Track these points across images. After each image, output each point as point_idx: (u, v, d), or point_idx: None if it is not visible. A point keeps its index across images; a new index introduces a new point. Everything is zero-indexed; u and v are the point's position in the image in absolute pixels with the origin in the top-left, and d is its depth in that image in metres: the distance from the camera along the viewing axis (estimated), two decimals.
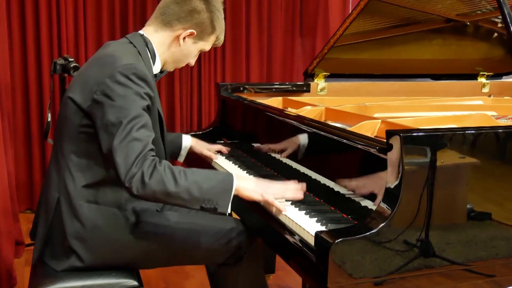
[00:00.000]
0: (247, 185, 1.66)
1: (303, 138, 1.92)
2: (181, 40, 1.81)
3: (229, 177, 1.63)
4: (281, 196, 1.68)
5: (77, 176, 1.67)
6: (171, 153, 2.17)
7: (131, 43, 1.78)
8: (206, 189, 1.58)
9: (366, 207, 1.54)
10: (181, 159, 2.26)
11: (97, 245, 1.68)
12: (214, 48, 4.41)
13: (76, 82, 1.71)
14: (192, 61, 1.92)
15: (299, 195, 1.69)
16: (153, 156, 1.57)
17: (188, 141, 2.24)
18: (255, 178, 1.75)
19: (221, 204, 1.59)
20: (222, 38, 1.91)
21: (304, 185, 1.72)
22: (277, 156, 2.09)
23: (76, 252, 1.67)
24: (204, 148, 2.27)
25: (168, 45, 1.83)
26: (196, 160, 2.29)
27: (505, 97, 2.86)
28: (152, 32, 1.83)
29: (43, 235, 1.71)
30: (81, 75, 1.73)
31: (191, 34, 1.81)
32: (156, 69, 1.85)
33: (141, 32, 1.84)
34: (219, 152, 2.34)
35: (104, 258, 1.70)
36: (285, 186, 1.72)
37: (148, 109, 1.66)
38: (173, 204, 1.61)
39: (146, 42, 1.80)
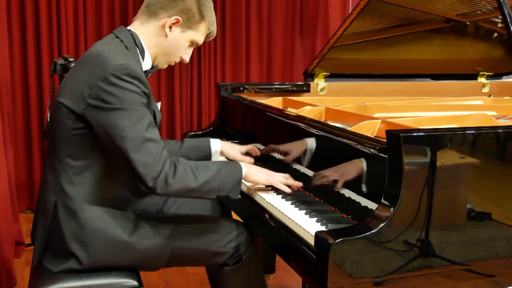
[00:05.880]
0: (253, 170, 1.80)
1: (303, 138, 1.92)
2: (167, 29, 1.73)
3: (238, 165, 1.76)
4: (284, 181, 1.80)
5: (74, 179, 1.66)
6: (200, 159, 2.04)
7: (117, 37, 1.73)
8: (221, 181, 1.69)
9: (366, 207, 1.54)
10: None
11: (97, 247, 1.67)
12: (214, 48, 4.43)
13: (66, 86, 1.66)
14: (186, 57, 1.82)
15: (299, 183, 1.82)
16: (168, 154, 1.62)
17: (217, 145, 2.12)
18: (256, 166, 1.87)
19: (234, 192, 1.72)
20: (214, 29, 1.83)
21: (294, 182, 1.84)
22: (277, 156, 2.09)
23: (76, 255, 1.66)
24: (237, 151, 2.14)
25: (155, 37, 1.75)
26: None
27: (505, 97, 2.86)
28: (139, 26, 1.76)
29: (42, 238, 1.70)
30: (71, 77, 1.68)
31: (176, 22, 1.73)
32: (146, 65, 1.78)
33: (128, 27, 1.78)
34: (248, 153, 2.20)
35: (104, 261, 1.69)
36: (283, 175, 1.85)
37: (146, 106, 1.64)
38: (192, 197, 1.71)
39: (134, 37, 1.74)
